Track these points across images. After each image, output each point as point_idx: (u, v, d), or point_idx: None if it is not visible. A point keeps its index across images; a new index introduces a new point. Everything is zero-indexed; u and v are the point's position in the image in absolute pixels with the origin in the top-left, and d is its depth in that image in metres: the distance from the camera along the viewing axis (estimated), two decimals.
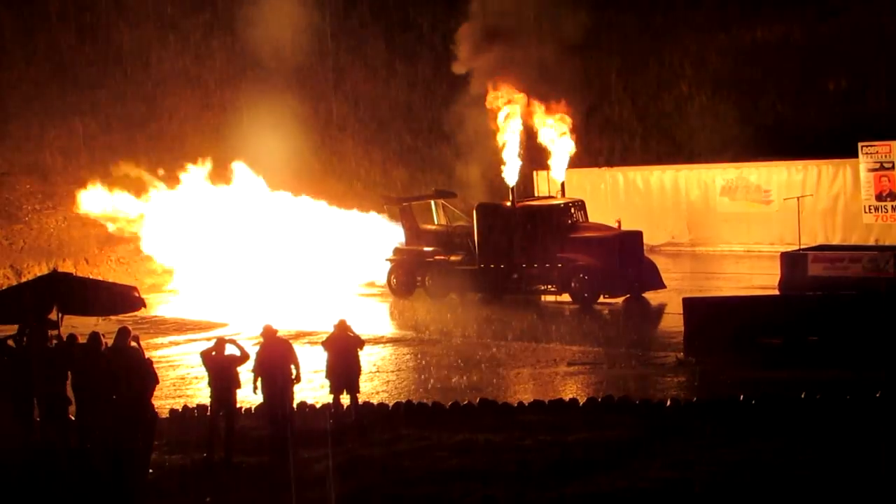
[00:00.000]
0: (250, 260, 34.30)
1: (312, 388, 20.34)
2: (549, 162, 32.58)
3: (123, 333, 16.99)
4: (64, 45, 39.63)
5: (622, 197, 39.60)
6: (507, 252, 30.17)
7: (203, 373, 18.14)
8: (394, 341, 25.93)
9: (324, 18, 43.76)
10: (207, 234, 34.70)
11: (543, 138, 32.05)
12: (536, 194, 37.87)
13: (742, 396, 18.44)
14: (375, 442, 17.44)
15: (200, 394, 20.56)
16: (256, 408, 18.49)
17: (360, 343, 18.68)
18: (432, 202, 33.74)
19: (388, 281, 32.44)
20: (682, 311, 23.78)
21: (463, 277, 30.69)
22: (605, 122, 42.56)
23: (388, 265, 32.48)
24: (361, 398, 18.98)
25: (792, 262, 26.55)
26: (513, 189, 31.03)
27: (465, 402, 19.08)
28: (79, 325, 21.20)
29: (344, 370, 18.43)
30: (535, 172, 38.33)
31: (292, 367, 17.58)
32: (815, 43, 39.82)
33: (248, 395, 18.09)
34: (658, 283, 29.58)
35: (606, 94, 42.85)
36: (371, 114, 43.87)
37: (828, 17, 39.92)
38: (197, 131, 39.29)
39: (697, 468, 15.40)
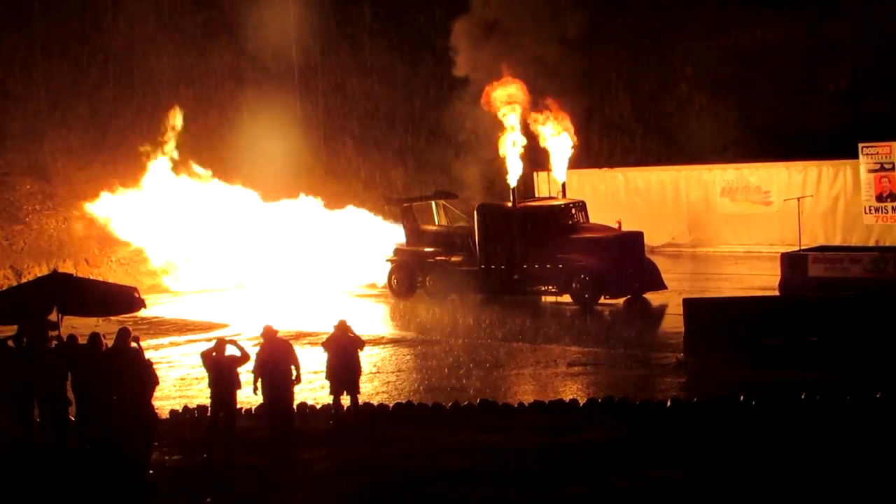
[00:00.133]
0: (250, 260, 34.34)
1: (313, 389, 20.35)
2: (550, 162, 32.58)
3: (123, 334, 17.00)
4: (64, 45, 39.62)
5: (622, 198, 39.59)
6: (508, 253, 30.15)
7: (203, 373, 18.14)
8: (394, 342, 25.92)
9: (324, 19, 43.73)
10: (206, 234, 34.70)
11: (544, 139, 32.04)
12: (537, 195, 37.88)
13: (742, 396, 18.44)
14: (376, 443, 17.45)
15: (201, 394, 20.55)
16: (257, 408, 18.49)
17: (360, 344, 18.68)
18: (433, 203, 33.75)
19: (389, 281, 32.42)
20: (682, 312, 23.77)
21: (464, 278, 30.68)
22: (606, 123, 42.57)
23: (389, 266, 32.48)
24: (362, 399, 18.98)
25: (792, 262, 26.54)
26: (514, 190, 31.02)
27: (466, 403, 19.08)
28: (79, 326, 21.23)
29: (344, 371, 18.42)
30: (535, 173, 38.32)
31: (292, 367, 17.60)
32: (815, 44, 39.82)
33: (249, 396, 18.11)
34: (659, 284, 29.57)
35: (607, 94, 42.86)
36: (371, 114, 43.85)
37: (828, 18, 39.92)
38: (197, 131, 39.25)
39: (697, 468, 15.41)
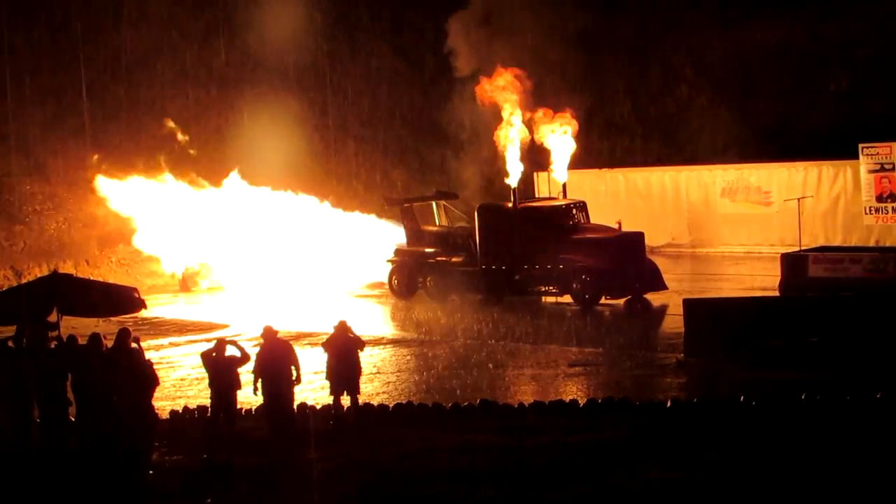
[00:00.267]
0: (250, 260, 34.34)
1: (313, 390, 20.34)
2: (551, 163, 32.55)
3: (124, 334, 17.03)
4: (64, 45, 39.62)
5: (623, 198, 39.60)
6: (509, 253, 30.14)
7: (203, 374, 18.16)
8: (394, 342, 25.92)
9: (324, 19, 43.74)
10: (208, 234, 34.72)
11: (544, 139, 32.02)
12: (537, 195, 37.86)
13: (742, 397, 18.45)
14: (376, 443, 17.44)
15: (201, 395, 20.56)
16: (257, 409, 18.49)
17: (360, 344, 18.68)
18: (433, 203, 33.74)
19: (389, 282, 32.42)
20: (682, 313, 23.77)
21: (464, 278, 30.67)
22: (606, 124, 42.57)
23: (389, 266, 32.48)
24: (362, 399, 18.98)
25: (792, 263, 26.56)
26: (514, 190, 31.00)
27: (466, 404, 19.08)
28: (79, 326, 21.23)
29: (344, 371, 18.42)
30: (535, 173, 38.31)
31: (293, 368, 17.61)
32: (815, 44, 39.85)
33: (249, 396, 18.11)
34: (659, 285, 29.54)
35: (607, 95, 42.86)
36: (371, 114, 43.86)
37: (828, 18, 39.93)
38: (197, 132, 39.26)
39: (697, 468, 15.40)
